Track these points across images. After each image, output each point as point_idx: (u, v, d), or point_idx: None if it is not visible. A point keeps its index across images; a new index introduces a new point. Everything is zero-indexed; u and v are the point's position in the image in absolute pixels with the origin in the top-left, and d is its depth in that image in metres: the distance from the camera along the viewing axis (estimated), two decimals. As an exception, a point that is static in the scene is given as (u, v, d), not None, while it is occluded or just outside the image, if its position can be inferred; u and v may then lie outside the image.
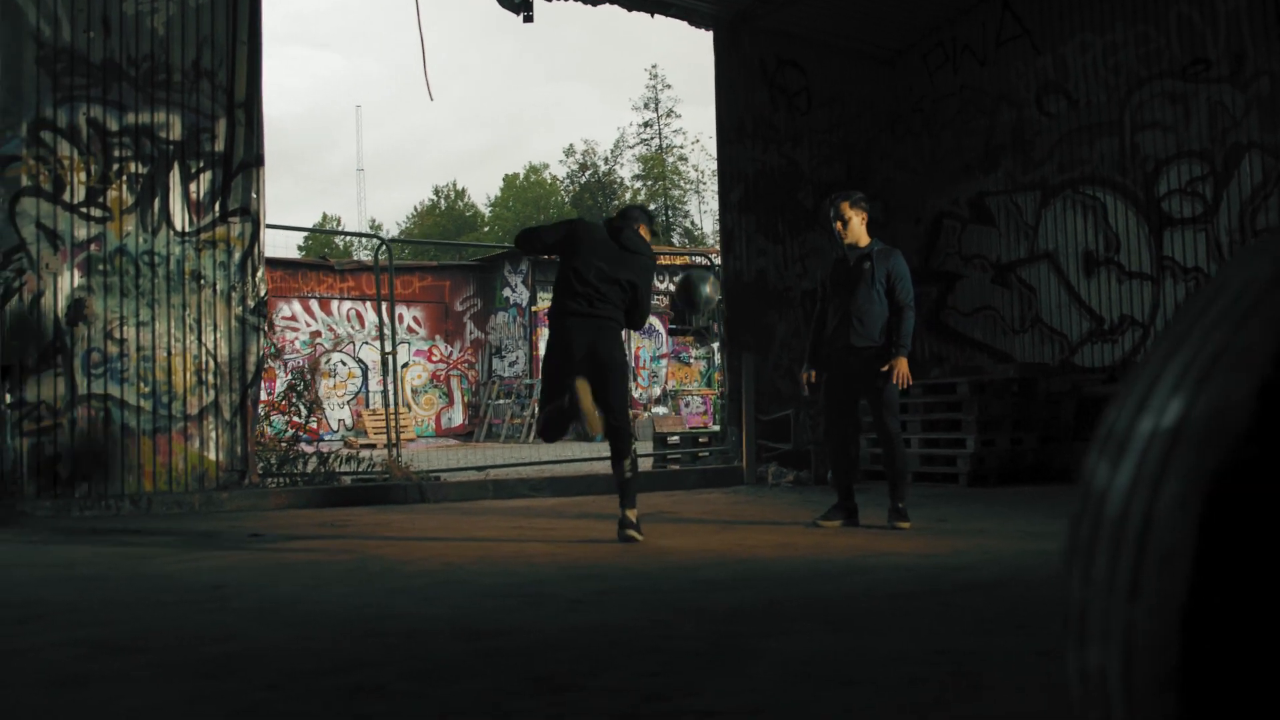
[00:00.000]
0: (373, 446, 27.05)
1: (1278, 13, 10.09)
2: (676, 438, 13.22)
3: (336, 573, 5.20)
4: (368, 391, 30.17)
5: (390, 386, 10.97)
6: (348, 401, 29.96)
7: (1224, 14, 10.44)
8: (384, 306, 10.74)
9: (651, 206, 66.70)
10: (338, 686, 2.82)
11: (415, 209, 72.80)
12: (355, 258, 43.77)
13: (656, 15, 11.75)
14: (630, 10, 11.44)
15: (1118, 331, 11.38)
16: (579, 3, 11.12)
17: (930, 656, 2.97)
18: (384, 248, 10.49)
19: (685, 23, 11.95)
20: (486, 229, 64.80)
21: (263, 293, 9.19)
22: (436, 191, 73.94)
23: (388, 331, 10.89)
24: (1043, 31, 11.98)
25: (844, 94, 12.78)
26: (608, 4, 11.26)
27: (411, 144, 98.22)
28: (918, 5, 12.46)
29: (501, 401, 30.10)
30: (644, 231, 6.86)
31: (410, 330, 30.76)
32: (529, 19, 10.71)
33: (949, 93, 12.80)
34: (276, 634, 3.63)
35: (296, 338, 29.33)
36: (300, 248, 55.30)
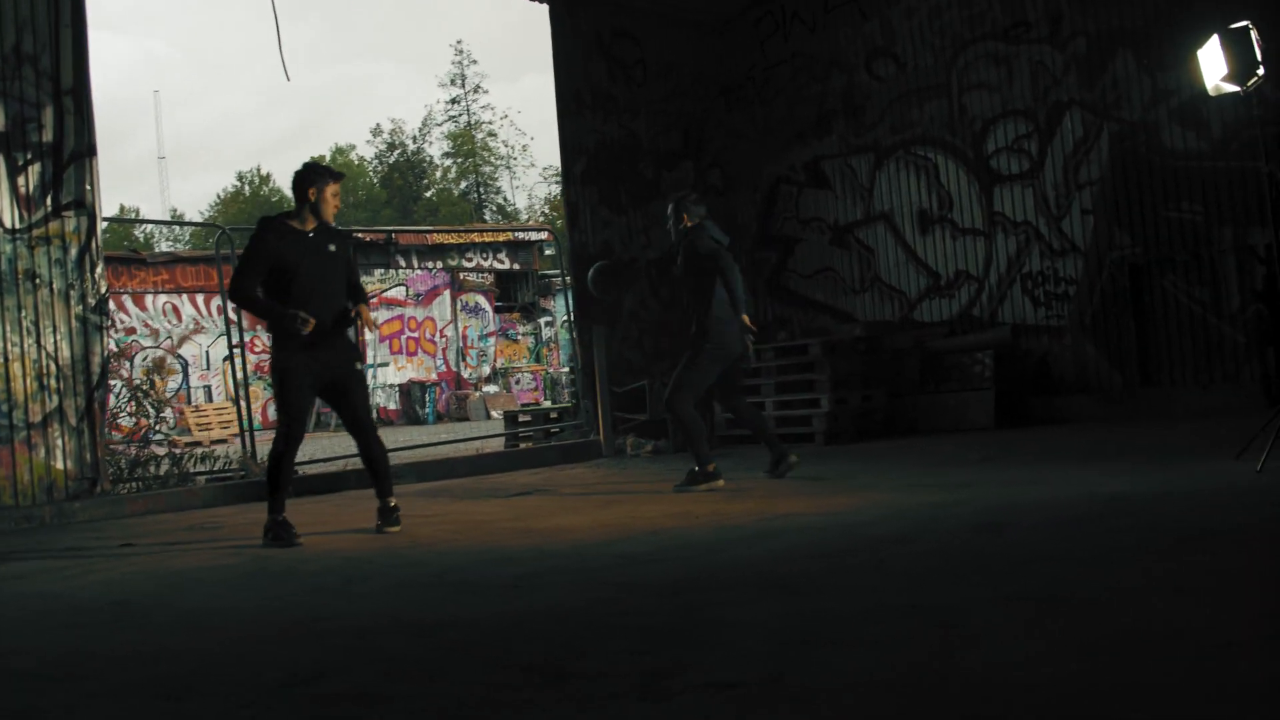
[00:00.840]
0: (198, 444, 26.26)
1: (1091, -26, 10.56)
2: (529, 415, 13.16)
3: (238, 576, 5.03)
4: (189, 388, 29.18)
5: (240, 379, 10.59)
6: (169, 400, 28.86)
7: (1041, -24, 10.87)
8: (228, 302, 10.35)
9: (463, 184, 66.12)
10: (316, 696, 2.73)
11: (219, 196, 70.63)
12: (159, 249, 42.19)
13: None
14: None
15: (954, 286, 11.76)
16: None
17: (903, 611, 3.04)
18: (223, 235, 10.09)
19: (518, -4, 11.83)
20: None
21: (103, 289, 8.79)
22: (240, 178, 71.72)
23: (234, 321, 10.52)
24: (867, -3, 12.28)
25: (678, 64, 12.85)
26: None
27: (213, 130, 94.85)
28: (744, -26, 12.61)
29: (329, 389, 29.45)
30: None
31: (231, 321, 29.77)
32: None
33: (780, 60, 12.99)
34: (213, 646, 3.49)
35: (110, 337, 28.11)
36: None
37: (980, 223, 11.57)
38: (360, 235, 29.32)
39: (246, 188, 70.71)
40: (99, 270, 8.72)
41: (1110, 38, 10.56)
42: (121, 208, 68.02)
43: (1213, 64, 7.01)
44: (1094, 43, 10.64)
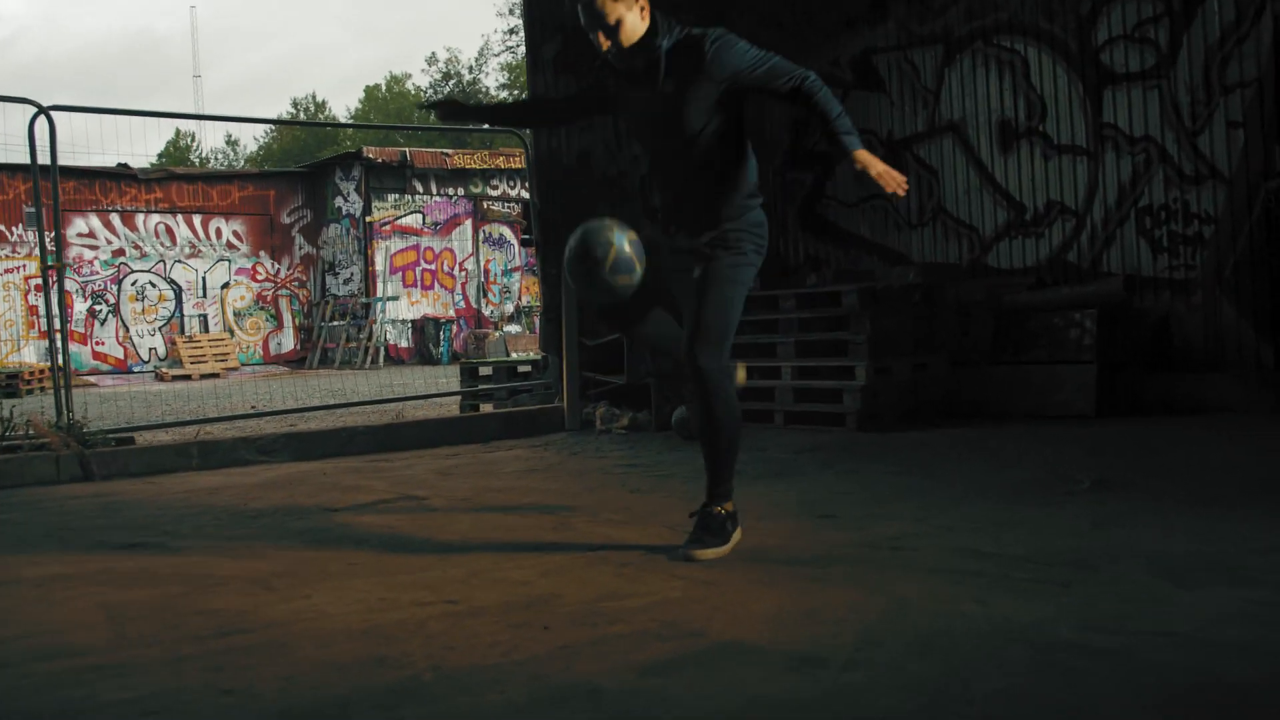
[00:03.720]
0: (188, 377, 23.83)
1: None
2: (489, 369, 10.40)
3: None
4: (182, 316, 26.79)
5: (56, 316, 7.92)
6: (160, 328, 26.54)
7: None
8: (44, 211, 7.67)
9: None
10: None
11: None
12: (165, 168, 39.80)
13: None
14: None
15: (1044, 222, 8.83)
16: None
17: None
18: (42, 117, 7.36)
19: None
20: (348, 143, 60.93)
21: None
22: (295, 105, 70.25)
23: (50, 236, 7.81)
24: None
25: (693, -78, 9.91)
26: None
27: (282, 63, 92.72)
28: None
29: (336, 323, 26.99)
30: None
31: (230, 246, 27.36)
32: None
33: (825, -79, 10.04)
34: None
35: (96, 256, 25.77)
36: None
37: (1084, 138, 8.61)
38: (371, 155, 26.61)
39: (302, 114, 69.09)
40: None
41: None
42: (177, 132, 66.25)
43: None
44: (1259, -114, 7.61)
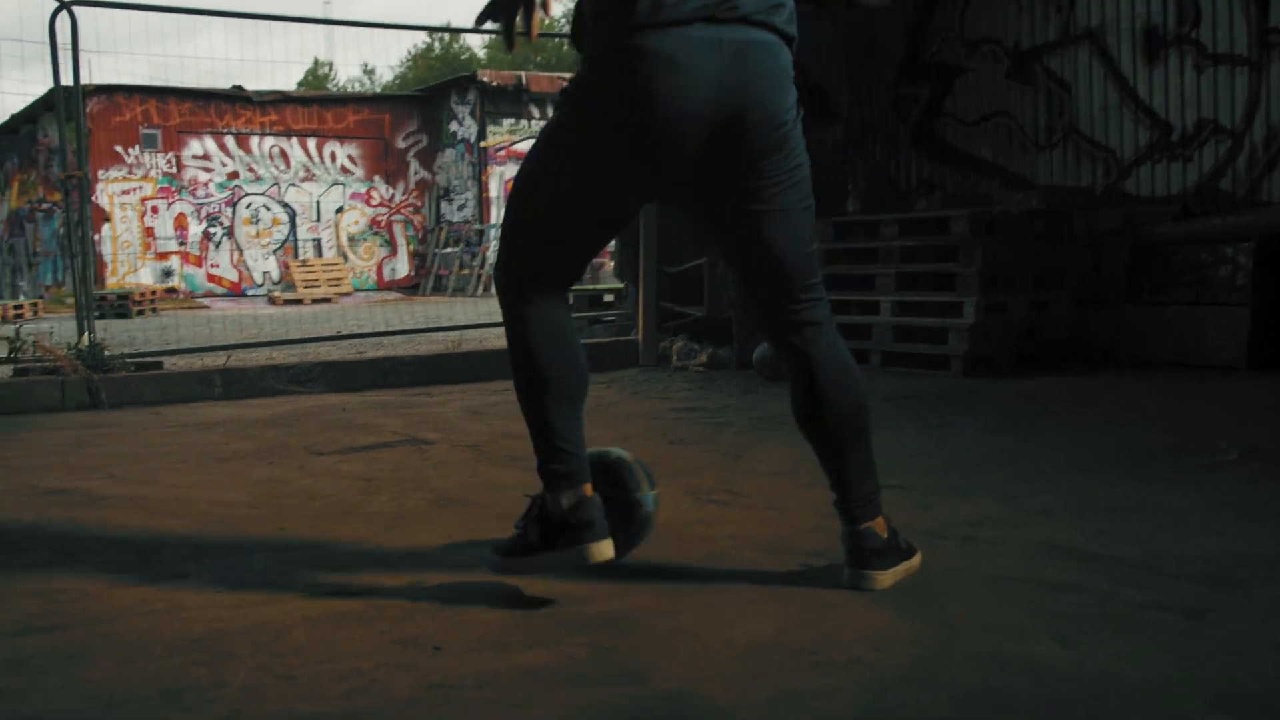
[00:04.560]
0: (300, 302, 23.53)
1: None
2: (570, 296, 9.54)
3: None
4: (296, 241, 26.51)
5: (81, 240, 7.30)
6: (274, 252, 26.31)
7: None
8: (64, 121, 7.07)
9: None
10: None
11: (409, 51, 68.68)
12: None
13: None
14: None
15: (1192, 144, 7.62)
16: None
17: None
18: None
19: None
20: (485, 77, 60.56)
21: None
22: (431, 34, 70.26)
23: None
24: None
25: None
26: None
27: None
28: None
29: (450, 250, 26.43)
30: None
31: (345, 170, 26.95)
32: None
33: None
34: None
35: (211, 179, 25.58)
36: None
37: (1245, 45, 7.36)
38: (487, 79, 25.86)
39: (436, 44, 69.00)
40: None
41: None
42: (316, 61, 66.50)
43: None
44: None
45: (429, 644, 2.16)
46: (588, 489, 2.39)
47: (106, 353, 6.76)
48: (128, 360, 6.79)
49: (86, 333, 6.86)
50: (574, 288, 9.77)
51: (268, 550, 2.96)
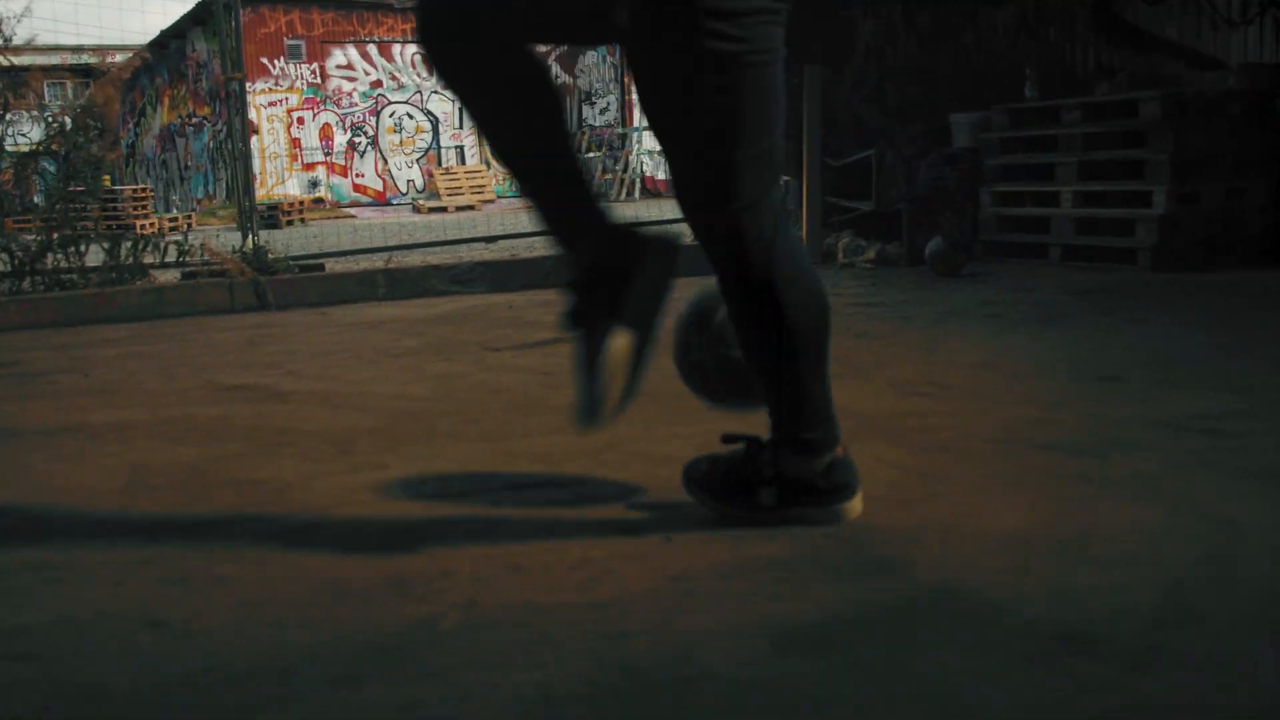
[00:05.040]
0: (444, 209, 23.67)
1: None
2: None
3: None
4: (439, 148, 26.61)
5: (242, 149, 7.30)
6: (417, 160, 26.46)
7: None
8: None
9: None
10: None
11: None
12: None
13: None
14: None
15: (1407, 14, 7.03)
16: None
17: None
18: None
19: None
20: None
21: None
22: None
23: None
24: None
25: None
26: None
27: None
28: None
29: (592, 155, 26.24)
30: None
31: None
32: None
33: None
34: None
35: (355, 88, 25.75)
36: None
37: None
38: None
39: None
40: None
41: None
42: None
43: None
44: None
45: (655, 533, 2.03)
46: (840, 450, 2.07)
47: (270, 256, 6.78)
48: (291, 263, 6.80)
49: (250, 236, 6.88)
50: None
51: (462, 442, 2.87)
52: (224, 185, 26.15)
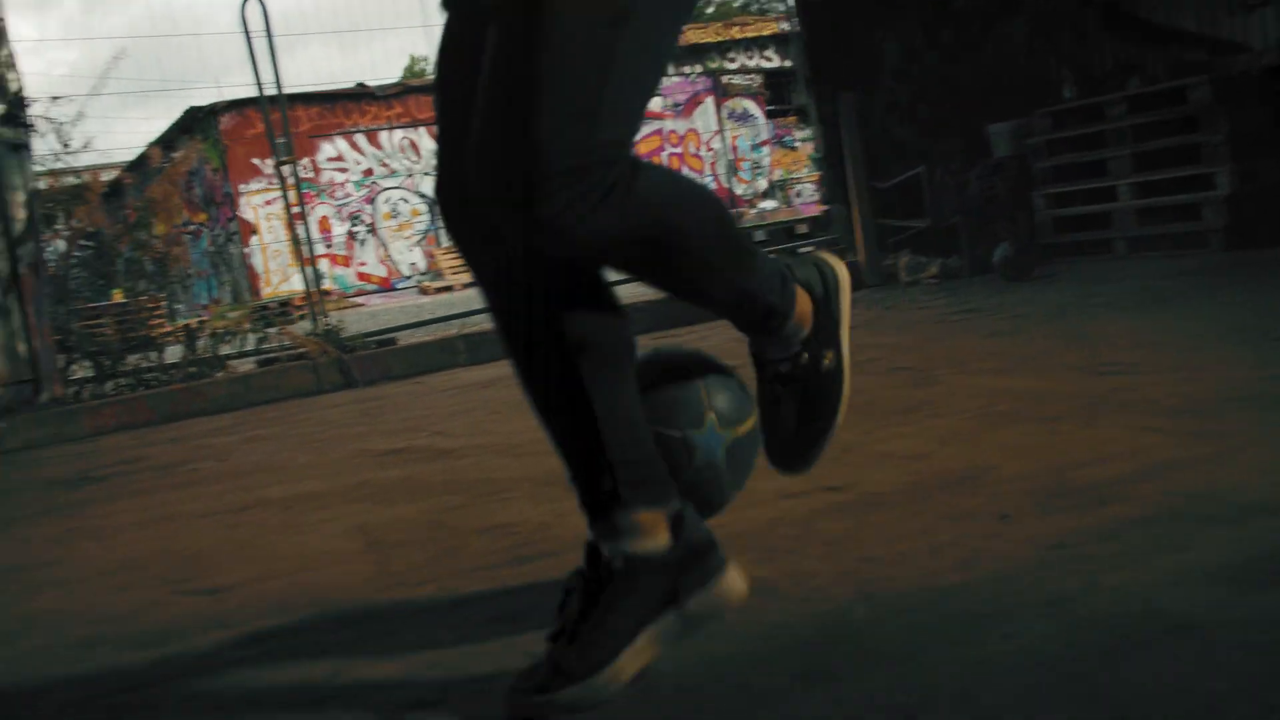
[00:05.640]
0: (450, 288, 23.75)
1: None
2: (762, 233, 9.38)
3: None
4: (438, 228, 26.70)
5: (301, 241, 7.39)
6: (417, 243, 26.58)
7: None
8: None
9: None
10: None
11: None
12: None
13: None
14: None
15: None
16: None
17: None
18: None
19: None
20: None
21: (16, 88, 5.55)
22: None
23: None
24: None
25: None
26: None
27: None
28: None
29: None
30: None
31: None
32: None
33: None
34: None
35: (347, 178, 25.91)
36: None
37: None
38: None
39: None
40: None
41: None
42: (412, 58, 66.92)
43: None
44: None
45: (987, 515, 2.03)
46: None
47: (342, 334, 6.81)
48: (368, 339, 6.82)
49: (321, 318, 6.90)
50: (766, 222, 9.35)
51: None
52: (228, 289, 26.25)
